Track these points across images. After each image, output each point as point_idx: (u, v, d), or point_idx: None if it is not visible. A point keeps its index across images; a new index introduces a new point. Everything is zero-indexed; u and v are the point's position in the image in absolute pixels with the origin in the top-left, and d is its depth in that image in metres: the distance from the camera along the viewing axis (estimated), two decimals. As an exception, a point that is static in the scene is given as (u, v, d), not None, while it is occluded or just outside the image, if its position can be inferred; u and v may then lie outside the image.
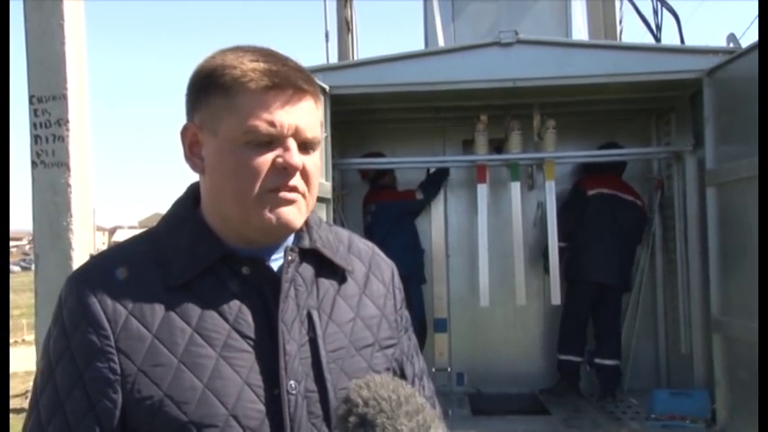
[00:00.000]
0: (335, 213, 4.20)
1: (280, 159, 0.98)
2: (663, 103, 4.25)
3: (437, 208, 4.88)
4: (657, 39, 4.63)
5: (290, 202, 1.00)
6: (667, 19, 4.59)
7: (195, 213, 1.06)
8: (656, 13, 4.63)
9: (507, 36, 3.54)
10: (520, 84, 3.58)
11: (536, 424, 3.99)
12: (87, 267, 1.04)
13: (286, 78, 0.98)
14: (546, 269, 4.34)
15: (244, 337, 0.98)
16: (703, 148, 3.55)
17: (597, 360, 4.30)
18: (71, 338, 0.95)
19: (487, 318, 4.64)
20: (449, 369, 4.72)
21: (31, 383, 1.03)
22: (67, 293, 0.99)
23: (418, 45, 4.64)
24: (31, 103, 2.89)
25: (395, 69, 3.60)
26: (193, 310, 0.98)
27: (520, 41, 3.55)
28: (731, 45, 3.51)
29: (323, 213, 3.39)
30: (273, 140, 0.98)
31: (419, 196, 4.62)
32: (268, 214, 0.98)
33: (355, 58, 5.31)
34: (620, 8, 5.04)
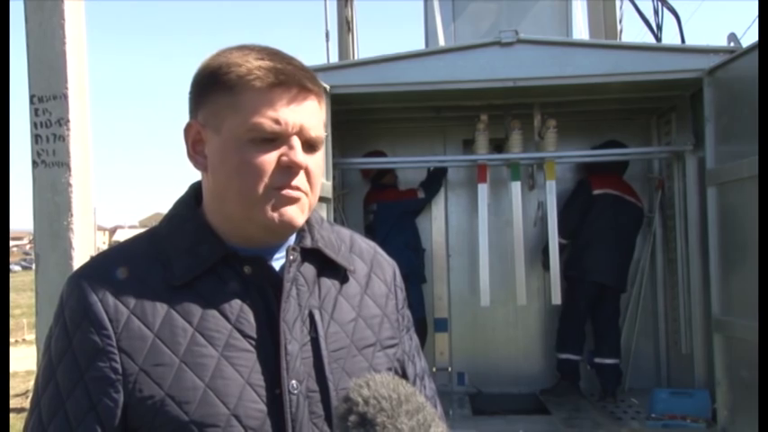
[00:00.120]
0: (336, 213, 4.21)
1: (284, 158, 0.98)
2: (663, 102, 4.25)
3: (438, 207, 4.88)
4: (658, 38, 4.63)
5: (293, 200, 0.99)
6: (668, 18, 4.59)
7: (197, 213, 1.06)
8: (656, 12, 4.62)
9: (508, 36, 3.54)
10: (520, 83, 3.58)
11: (537, 424, 3.99)
12: (89, 267, 1.03)
13: (291, 77, 0.98)
14: (545, 266, 4.35)
15: (245, 336, 0.98)
16: (704, 147, 3.55)
17: (597, 359, 4.30)
18: (72, 338, 0.95)
19: (488, 317, 4.64)
20: (449, 369, 4.72)
21: (32, 383, 1.04)
22: (69, 293, 0.98)
23: (419, 45, 4.65)
24: (31, 102, 2.89)
25: (395, 69, 3.60)
26: (195, 309, 0.98)
27: (520, 41, 3.54)
28: (732, 44, 3.50)
29: (323, 213, 3.39)
30: (278, 138, 0.98)
31: (421, 195, 4.62)
32: (271, 212, 0.98)
33: (356, 57, 5.30)
34: (621, 8, 5.03)
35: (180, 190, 1.13)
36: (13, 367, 9.39)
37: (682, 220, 4.09)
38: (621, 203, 4.34)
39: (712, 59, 3.40)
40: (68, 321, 0.97)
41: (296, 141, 0.98)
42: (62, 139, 2.87)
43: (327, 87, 3.41)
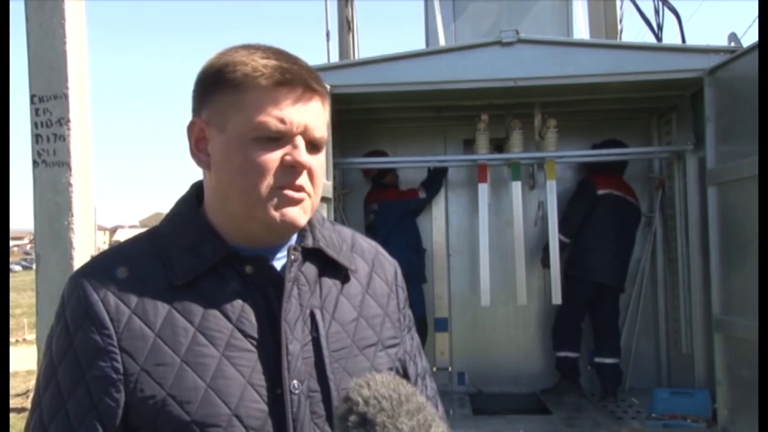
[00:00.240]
0: (336, 213, 4.21)
1: (288, 157, 0.97)
2: (664, 102, 4.25)
3: (438, 207, 4.88)
4: (659, 38, 4.62)
5: (296, 201, 0.99)
6: (668, 18, 4.58)
7: (199, 212, 1.06)
8: (657, 12, 4.62)
9: (508, 35, 3.53)
10: (521, 83, 3.58)
11: (537, 423, 3.99)
12: (90, 266, 1.03)
13: (297, 76, 0.98)
14: (545, 264, 4.35)
15: (246, 336, 0.98)
16: (704, 147, 3.55)
17: (597, 359, 4.30)
18: (74, 337, 0.95)
19: (488, 317, 4.64)
20: (450, 368, 4.72)
21: (32, 383, 1.04)
22: (70, 292, 0.98)
23: (419, 44, 4.64)
24: (32, 102, 2.89)
25: (396, 69, 3.60)
26: (196, 309, 0.97)
27: (521, 41, 3.54)
28: (732, 44, 3.50)
29: (324, 213, 3.39)
30: (282, 137, 0.98)
31: (422, 195, 4.62)
32: (273, 212, 0.98)
33: (356, 57, 5.30)
34: (621, 7, 5.02)
35: (180, 190, 1.13)
36: (13, 367, 9.40)
37: (682, 219, 4.09)
38: (623, 204, 4.35)
39: (713, 59, 3.40)
40: (70, 321, 0.96)
41: (300, 141, 0.98)
42: (62, 138, 2.87)
43: (328, 87, 3.41)
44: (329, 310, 1.06)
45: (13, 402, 8.74)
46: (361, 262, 1.15)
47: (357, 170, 4.75)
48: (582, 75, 3.52)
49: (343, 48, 5.26)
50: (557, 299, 4.04)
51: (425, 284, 4.65)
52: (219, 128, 1.00)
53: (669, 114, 4.33)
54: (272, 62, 0.97)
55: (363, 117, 4.42)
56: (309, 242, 1.07)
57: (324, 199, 3.38)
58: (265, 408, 0.96)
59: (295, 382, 0.98)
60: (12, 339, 13.67)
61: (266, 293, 1.01)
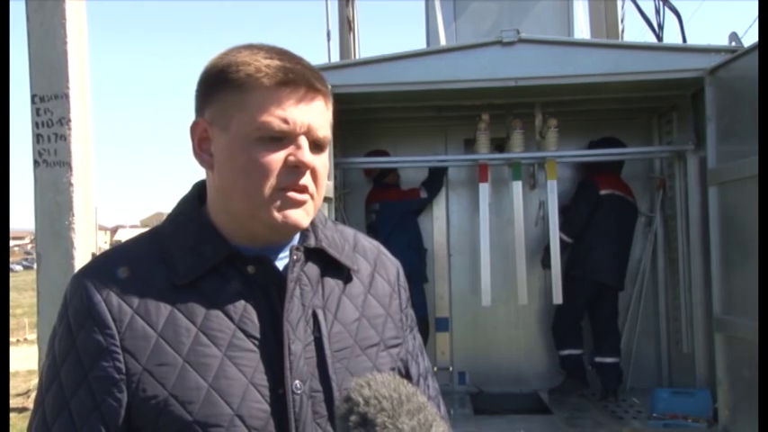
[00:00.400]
0: (337, 212, 4.21)
1: (292, 157, 0.97)
2: (665, 102, 4.25)
3: (439, 207, 4.88)
4: (659, 38, 4.62)
5: (299, 203, 1.00)
6: (669, 18, 4.59)
7: (201, 212, 1.06)
8: (657, 11, 4.62)
9: (509, 35, 3.53)
10: (522, 83, 3.58)
11: (538, 423, 3.99)
12: (92, 266, 1.03)
13: (300, 76, 0.98)
14: (545, 264, 4.35)
15: (249, 336, 0.98)
16: (705, 147, 3.55)
17: (597, 359, 4.30)
18: (76, 337, 0.95)
19: (489, 317, 4.64)
20: (450, 368, 4.72)
21: (33, 383, 1.04)
22: (72, 292, 0.98)
23: (420, 44, 4.65)
24: (33, 102, 2.89)
25: (396, 68, 3.60)
26: (198, 309, 0.97)
27: (522, 40, 3.54)
28: (733, 44, 3.50)
29: (325, 212, 3.38)
30: (285, 137, 0.97)
31: (423, 194, 4.62)
32: (276, 214, 0.98)
33: (357, 57, 5.30)
34: (622, 7, 5.02)
35: (181, 190, 1.13)
36: (14, 367, 9.40)
37: (683, 219, 4.09)
38: (624, 204, 4.36)
39: (714, 59, 3.40)
40: (72, 321, 0.96)
41: (303, 141, 0.98)
42: (63, 138, 2.87)
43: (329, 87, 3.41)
44: (331, 310, 1.06)
45: (14, 402, 8.73)
46: (364, 262, 1.15)
47: (358, 170, 4.75)
48: (583, 74, 3.52)
49: (344, 47, 5.26)
50: (557, 298, 4.04)
51: (426, 284, 4.65)
52: (222, 128, 0.99)
53: (670, 114, 4.33)
54: (276, 62, 0.97)
55: (364, 117, 4.42)
56: (312, 242, 1.07)
57: (325, 199, 3.36)
58: (267, 408, 0.96)
59: (297, 382, 0.98)
60: (12, 339, 13.68)
61: (268, 293, 1.01)
